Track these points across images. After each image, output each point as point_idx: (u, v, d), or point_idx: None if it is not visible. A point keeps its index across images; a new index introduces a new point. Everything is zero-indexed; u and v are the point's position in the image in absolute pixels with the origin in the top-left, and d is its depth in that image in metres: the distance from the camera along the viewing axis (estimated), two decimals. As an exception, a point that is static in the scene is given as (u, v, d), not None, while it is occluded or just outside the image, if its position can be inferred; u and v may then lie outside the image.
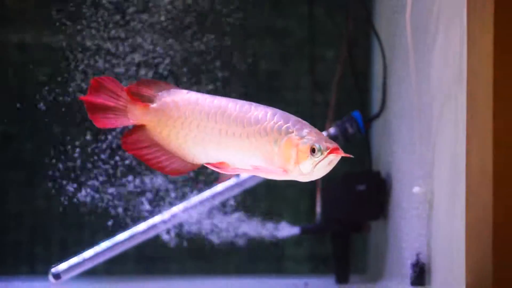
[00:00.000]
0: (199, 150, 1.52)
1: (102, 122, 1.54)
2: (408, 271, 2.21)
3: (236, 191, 2.61)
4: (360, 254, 2.95)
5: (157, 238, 2.61)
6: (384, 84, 2.61)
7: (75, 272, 2.49)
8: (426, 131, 2.15)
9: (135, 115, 1.54)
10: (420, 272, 2.17)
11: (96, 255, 2.52)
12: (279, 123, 1.46)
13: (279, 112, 1.48)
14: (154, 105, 1.54)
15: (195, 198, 2.59)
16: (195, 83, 2.60)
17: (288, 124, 1.45)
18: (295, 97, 3.01)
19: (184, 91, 1.55)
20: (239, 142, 1.48)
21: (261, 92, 3.00)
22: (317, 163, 1.41)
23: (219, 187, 2.60)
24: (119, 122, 1.57)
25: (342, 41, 2.77)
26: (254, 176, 2.56)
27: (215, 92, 2.58)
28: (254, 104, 1.50)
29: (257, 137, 1.47)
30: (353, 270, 2.75)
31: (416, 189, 2.18)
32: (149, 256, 2.95)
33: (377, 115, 2.64)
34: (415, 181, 2.20)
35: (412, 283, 2.18)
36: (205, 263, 2.94)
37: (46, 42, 2.79)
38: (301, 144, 1.43)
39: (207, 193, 2.59)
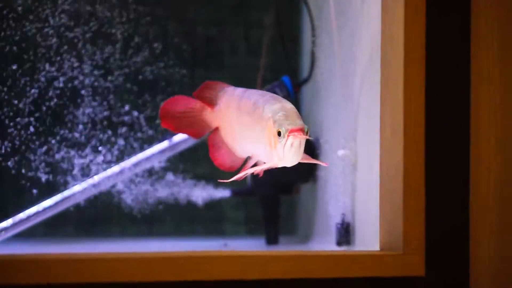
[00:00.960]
0: (239, 144, 1.62)
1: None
2: (334, 232, 2.28)
3: (169, 154, 2.64)
4: (290, 216, 3.02)
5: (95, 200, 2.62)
6: (313, 50, 2.65)
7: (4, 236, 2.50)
8: (349, 96, 2.20)
9: (211, 120, 1.58)
10: (345, 232, 2.24)
11: (26, 218, 2.52)
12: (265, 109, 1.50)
13: (267, 96, 1.53)
14: (218, 106, 1.57)
15: (128, 161, 2.61)
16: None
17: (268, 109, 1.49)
18: (231, 62, 3.05)
19: (231, 88, 1.58)
20: (252, 133, 1.54)
21: (198, 58, 3.02)
22: (283, 147, 1.45)
23: (151, 151, 2.63)
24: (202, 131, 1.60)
25: (271, 5, 2.80)
26: (186, 140, 2.59)
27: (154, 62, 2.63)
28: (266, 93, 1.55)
29: (258, 127, 1.52)
30: (283, 232, 2.82)
31: (340, 152, 2.24)
32: (87, 219, 2.96)
33: (306, 80, 2.69)
34: (341, 145, 2.26)
35: (338, 243, 2.25)
36: (144, 226, 2.97)
37: None
38: (273, 128, 1.46)
39: (140, 155, 2.62)
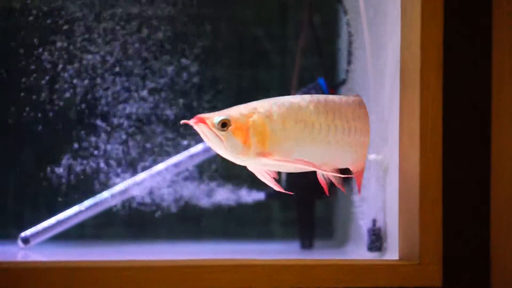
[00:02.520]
0: None
1: None
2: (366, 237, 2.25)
3: (204, 156, 2.64)
4: (326, 220, 2.99)
5: (136, 202, 2.64)
6: (349, 53, 2.62)
7: (45, 236, 2.53)
8: (381, 100, 2.17)
9: None
10: (376, 238, 2.20)
11: (67, 218, 2.55)
12: None
13: None
14: None
15: (161, 165, 2.63)
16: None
17: None
18: (279, 62, 3.03)
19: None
20: None
21: (246, 58, 3.02)
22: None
23: (186, 153, 2.64)
24: None
25: (306, 7, 2.77)
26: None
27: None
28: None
29: None
30: (319, 236, 2.79)
31: (372, 156, 2.21)
32: (131, 221, 2.98)
33: (342, 83, 2.66)
34: (373, 149, 2.23)
35: (369, 249, 2.22)
36: (185, 227, 2.98)
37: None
38: None
39: (176, 158, 2.63)
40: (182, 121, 1.52)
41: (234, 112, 1.55)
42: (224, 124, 1.51)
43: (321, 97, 1.63)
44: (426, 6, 1.53)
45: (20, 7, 2.55)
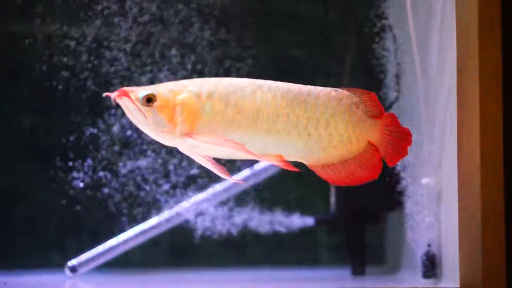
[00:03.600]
0: None
1: None
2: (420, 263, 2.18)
3: (252, 182, 2.61)
4: (378, 246, 2.92)
5: (181, 229, 2.62)
6: (397, 72, 2.56)
7: (93, 265, 2.51)
8: (434, 120, 2.11)
9: None
10: (431, 264, 2.13)
11: (114, 247, 2.53)
12: None
13: None
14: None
15: (210, 190, 2.60)
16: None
17: None
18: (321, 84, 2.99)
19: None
20: None
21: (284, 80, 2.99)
22: None
23: (234, 179, 2.60)
24: None
25: (352, 27, 2.73)
26: (268, 168, 2.56)
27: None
28: None
29: None
30: (370, 262, 2.72)
31: (425, 181, 2.15)
32: (174, 248, 2.95)
33: (390, 104, 2.60)
34: (426, 172, 2.17)
35: (424, 275, 2.15)
36: (228, 254, 2.94)
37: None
38: None
39: (223, 184, 2.60)
40: (105, 94, 1.42)
41: (162, 88, 1.46)
42: (149, 100, 1.43)
43: (289, 86, 1.52)
44: (483, 28, 1.47)
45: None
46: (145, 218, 2.60)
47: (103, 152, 2.59)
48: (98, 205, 2.60)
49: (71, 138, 2.62)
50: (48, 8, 2.63)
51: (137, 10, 2.59)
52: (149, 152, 2.62)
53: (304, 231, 2.75)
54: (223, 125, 1.46)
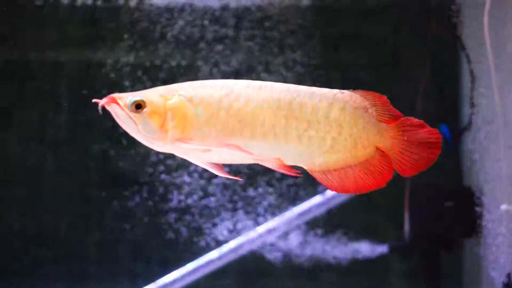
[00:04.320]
0: None
1: None
2: (500, 291, 2.12)
3: (323, 208, 2.58)
4: (454, 273, 2.85)
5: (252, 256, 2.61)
6: (472, 97, 2.52)
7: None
8: (513, 145, 2.06)
9: None
10: (512, 292, 2.07)
11: (183, 276, 2.53)
12: None
13: None
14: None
15: (280, 218, 2.58)
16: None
17: None
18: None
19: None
20: None
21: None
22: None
23: (304, 206, 2.58)
24: None
25: (425, 53, 2.69)
26: (339, 195, 2.54)
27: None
28: None
29: None
30: (447, 289, 2.67)
31: (504, 207, 2.09)
32: (244, 275, 2.94)
33: (466, 129, 2.55)
34: (505, 197, 2.11)
35: (504, 305, 2.08)
36: (303, 281, 2.91)
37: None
38: None
39: (291, 212, 2.58)
40: (94, 100, 1.35)
41: (152, 93, 1.40)
42: (138, 106, 1.37)
43: (289, 87, 1.43)
44: None
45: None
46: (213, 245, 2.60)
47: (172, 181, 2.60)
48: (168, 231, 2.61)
49: (140, 165, 2.64)
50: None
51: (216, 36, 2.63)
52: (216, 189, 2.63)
53: (377, 258, 2.71)
54: (217, 129, 1.39)
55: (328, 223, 2.63)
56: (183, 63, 2.68)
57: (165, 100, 1.38)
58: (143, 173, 2.66)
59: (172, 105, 1.38)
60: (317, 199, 2.57)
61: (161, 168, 2.67)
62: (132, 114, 1.37)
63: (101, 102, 1.36)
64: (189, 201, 2.65)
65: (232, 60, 2.65)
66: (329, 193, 2.56)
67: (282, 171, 1.42)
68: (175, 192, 2.66)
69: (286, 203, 2.67)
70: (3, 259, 2.79)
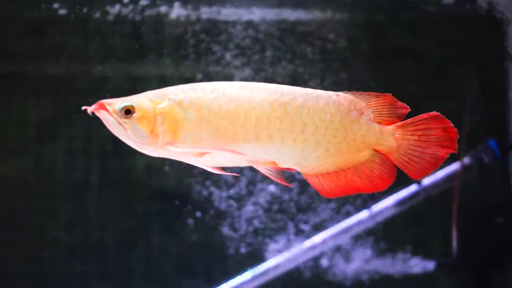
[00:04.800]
0: None
1: None
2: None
3: (369, 224, 2.56)
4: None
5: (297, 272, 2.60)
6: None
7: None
8: None
9: None
10: None
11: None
12: None
13: None
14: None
15: (326, 232, 2.56)
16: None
17: None
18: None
19: None
20: None
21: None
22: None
23: (350, 221, 2.56)
24: None
25: (473, 67, 2.66)
26: (388, 209, 2.51)
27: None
28: None
29: None
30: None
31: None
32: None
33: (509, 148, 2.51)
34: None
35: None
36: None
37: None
38: None
39: (338, 227, 2.56)
40: (83, 107, 1.35)
41: (142, 98, 1.38)
42: (127, 111, 1.36)
43: (283, 88, 1.40)
44: None
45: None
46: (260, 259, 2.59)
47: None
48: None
49: (184, 178, 2.65)
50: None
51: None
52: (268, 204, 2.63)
53: (424, 274, 2.67)
54: (208, 132, 1.38)
55: (375, 238, 2.60)
56: (227, 75, 2.68)
57: (155, 104, 1.38)
58: (188, 187, 2.66)
59: (162, 109, 1.37)
60: (363, 214, 2.55)
61: (208, 182, 2.68)
62: (122, 120, 1.36)
63: (90, 108, 1.36)
64: (236, 213, 2.64)
65: (279, 73, 2.65)
66: (376, 208, 2.54)
67: (276, 179, 1.41)
68: (223, 206, 2.66)
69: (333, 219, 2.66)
70: (50, 273, 2.82)
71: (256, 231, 2.64)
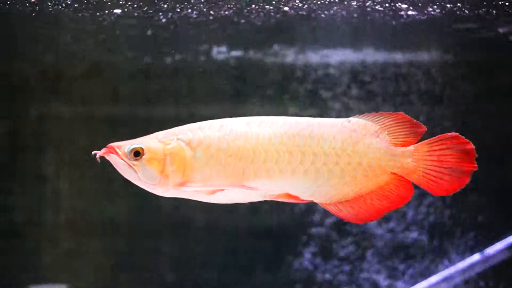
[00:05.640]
0: None
1: None
2: None
3: (480, 268, 2.50)
4: None
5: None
6: None
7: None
8: None
9: None
10: None
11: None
12: None
13: None
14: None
15: (437, 276, 2.51)
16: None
17: None
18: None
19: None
20: None
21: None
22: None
23: (461, 265, 2.51)
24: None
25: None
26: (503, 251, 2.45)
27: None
28: None
29: None
30: None
31: None
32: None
33: None
34: None
35: None
36: None
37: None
38: None
39: (449, 270, 2.51)
40: (93, 152, 1.37)
41: (151, 139, 1.40)
42: (137, 153, 1.37)
43: (291, 120, 1.40)
44: None
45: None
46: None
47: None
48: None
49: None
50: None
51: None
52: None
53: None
54: (217, 170, 1.38)
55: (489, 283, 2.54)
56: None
57: (164, 145, 1.39)
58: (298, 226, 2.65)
59: (171, 150, 1.38)
60: (475, 257, 2.49)
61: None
62: (131, 162, 1.38)
63: (100, 152, 1.38)
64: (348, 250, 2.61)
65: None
66: (488, 251, 2.48)
67: (292, 201, 1.39)
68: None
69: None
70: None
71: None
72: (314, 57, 2.69)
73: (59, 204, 2.74)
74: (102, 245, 2.77)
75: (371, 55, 2.67)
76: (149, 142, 1.40)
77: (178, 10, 2.33)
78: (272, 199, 1.41)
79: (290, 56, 2.70)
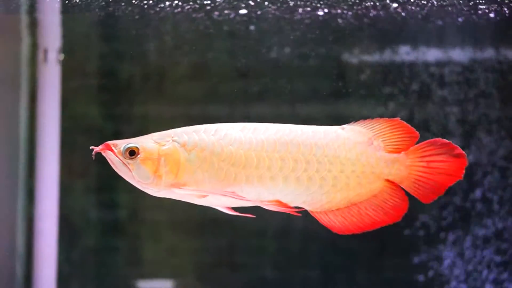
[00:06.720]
0: None
1: None
2: None
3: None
4: None
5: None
6: None
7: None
8: None
9: None
10: None
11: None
12: None
13: None
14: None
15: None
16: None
17: None
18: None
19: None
20: None
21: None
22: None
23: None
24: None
25: None
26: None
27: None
28: None
29: None
30: None
31: None
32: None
33: None
34: None
35: None
36: None
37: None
38: None
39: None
40: (91, 147, 1.41)
41: (146, 140, 1.43)
42: (132, 152, 1.41)
43: (285, 128, 1.42)
44: None
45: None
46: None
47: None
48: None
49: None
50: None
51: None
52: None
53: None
54: (210, 174, 1.39)
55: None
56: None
57: (159, 146, 1.41)
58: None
59: (166, 151, 1.41)
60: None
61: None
62: (126, 161, 1.41)
63: (97, 149, 1.42)
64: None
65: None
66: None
67: (282, 210, 1.40)
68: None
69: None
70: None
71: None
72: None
73: (163, 202, 2.79)
74: (204, 244, 2.82)
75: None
76: (145, 142, 1.44)
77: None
78: (263, 206, 1.42)
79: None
